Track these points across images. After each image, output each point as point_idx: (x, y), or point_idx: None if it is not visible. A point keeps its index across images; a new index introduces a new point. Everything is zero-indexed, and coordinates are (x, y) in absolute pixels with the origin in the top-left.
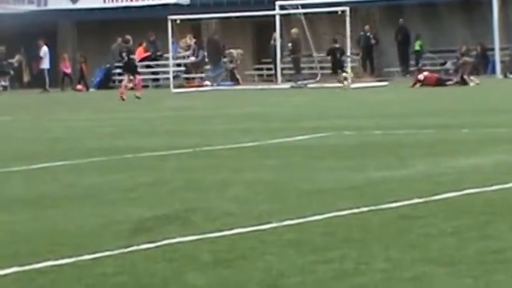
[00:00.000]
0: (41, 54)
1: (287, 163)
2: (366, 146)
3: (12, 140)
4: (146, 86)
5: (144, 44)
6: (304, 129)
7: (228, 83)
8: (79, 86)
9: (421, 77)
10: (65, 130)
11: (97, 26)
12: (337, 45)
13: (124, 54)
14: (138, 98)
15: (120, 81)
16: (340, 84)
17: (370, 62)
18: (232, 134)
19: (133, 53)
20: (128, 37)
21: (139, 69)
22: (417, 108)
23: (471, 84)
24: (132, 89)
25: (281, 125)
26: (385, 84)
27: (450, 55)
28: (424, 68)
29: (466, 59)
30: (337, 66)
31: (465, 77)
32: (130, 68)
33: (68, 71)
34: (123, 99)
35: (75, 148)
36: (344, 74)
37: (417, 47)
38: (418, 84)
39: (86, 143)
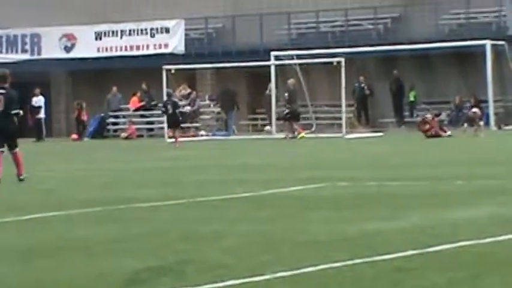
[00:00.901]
0: (37, 103)
1: (281, 214)
2: (361, 197)
3: (6, 190)
4: (141, 136)
5: (139, 94)
6: (299, 180)
7: (222, 132)
8: (74, 136)
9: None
10: (58, 180)
11: (91, 76)
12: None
13: (169, 107)
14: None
15: (115, 130)
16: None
17: (365, 112)
18: (226, 184)
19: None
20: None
21: (133, 119)
22: (412, 159)
23: (482, 135)
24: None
25: (276, 175)
26: (379, 135)
27: (444, 106)
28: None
29: (475, 110)
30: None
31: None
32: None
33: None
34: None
35: (69, 198)
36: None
37: (412, 98)
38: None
39: (79, 194)
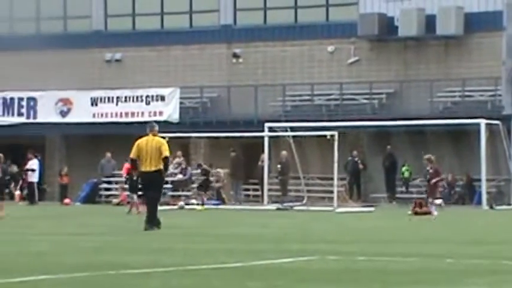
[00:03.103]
0: (32, 166)
1: (270, 286)
2: (350, 271)
3: None
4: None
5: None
6: (289, 252)
7: (213, 202)
8: (66, 200)
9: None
10: (48, 244)
11: (86, 140)
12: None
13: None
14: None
15: (107, 196)
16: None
17: (357, 186)
18: (216, 253)
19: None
20: None
21: (125, 185)
22: (402, 235)
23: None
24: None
25: (266, 246)
26: (371, 210)
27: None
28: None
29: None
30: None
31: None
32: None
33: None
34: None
35: (58, 263)
36: None
37: (406, 174)
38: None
39: (68, 258)
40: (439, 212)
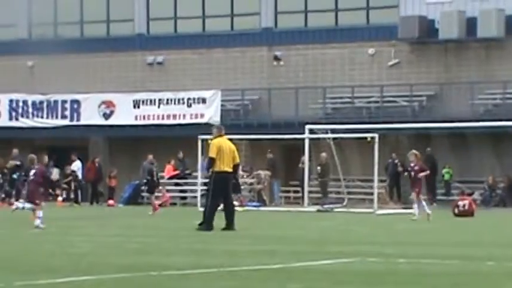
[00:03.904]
0: (74, 168)
1: (311, 287)
2: (390, 274)
3: (40, 253)
4: (174, 204)
5: (173, 162)
6: (329, 254)
7: (254, 203)
8: (110, 201)
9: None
10: (92, 245)
11: (128, 143)
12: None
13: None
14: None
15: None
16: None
17: (397, 189)
18: (257, 255)
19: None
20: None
21: (167, 187)
22: (443, 237)
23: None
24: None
25: (306, 248)
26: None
27: (478, 186)
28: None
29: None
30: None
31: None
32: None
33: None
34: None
35: (101, 263)
36: None
37: (447, 176)
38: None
39: (111, 259)
40: (425, 212)
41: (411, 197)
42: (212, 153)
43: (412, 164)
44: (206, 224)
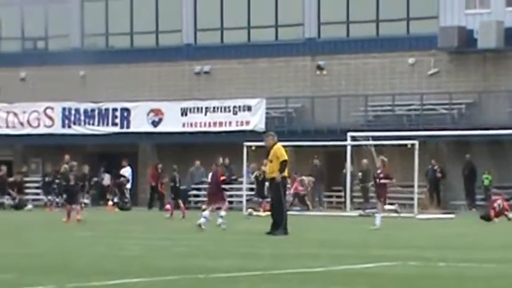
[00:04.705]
0: (125, 174)
1: None
2: (430, 277)
3: (92, 256)
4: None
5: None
6: (371, 257)
7: (298, 208)
8: (168, 206)
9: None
10: (142, 248)
11: (176, 149)
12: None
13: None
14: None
15: (196, 202)
16: None
17: (437, 194)
18: (301, 258)
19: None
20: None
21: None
22: (482, 242)
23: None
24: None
25: (348, 252)
26: (451, 217)
27: None
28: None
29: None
30: None
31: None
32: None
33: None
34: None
35: (151, 266)
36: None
37: (486, 182)
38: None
39: (160, 262)
40: (382, 222)
41: (377, 205)
42: (286, 156)
43: (378, 171)
44: (283, 228)
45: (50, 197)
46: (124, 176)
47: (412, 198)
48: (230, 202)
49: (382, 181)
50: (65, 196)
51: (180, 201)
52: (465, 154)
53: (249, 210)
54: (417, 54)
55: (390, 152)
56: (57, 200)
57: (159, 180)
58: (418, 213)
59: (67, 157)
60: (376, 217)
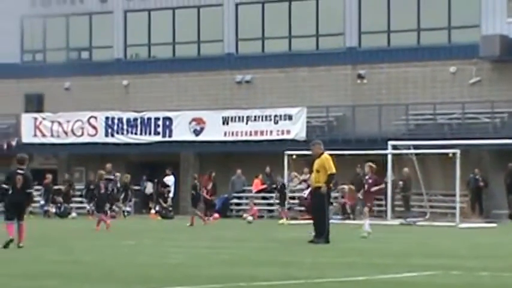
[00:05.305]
0: (168, 183)
1: None
2: (472, 286)
3: (135, 264)
4: (261, 217)
5: (261, 176)
6: (412, 267)
7: (338, 217)
8: (216, 215)
9: None
10: (184, 256)
11: (218, 158)
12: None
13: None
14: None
15: (238, 210)
16: None
17: (479, 203)
18: (342, 267)
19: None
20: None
21: (255, 200)
22: None
23: None
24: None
25: (389, 261)
26: (493, 226)
27: None
28: None
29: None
30: None
31: None
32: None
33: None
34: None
35: (192, 274)
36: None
37: None
38: None
39: (203, 270)
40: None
41: (364, 211)
42: (334, 169)
43: (366, 177)
44: (325, 237)
45: (92, 205)
46: (167, 185)
47: (453, 207)
48: (271, 211)
49: (373, 189)
50: (93, 204)
51: (198, 210)
52: (508, 162)
53: (249, 218)
54: (459, 63)
55: (432, 161)
56: (87, 207)
57: (213, 189)
58: (460, 222)
59: (108, 166)
60: (364, 224)
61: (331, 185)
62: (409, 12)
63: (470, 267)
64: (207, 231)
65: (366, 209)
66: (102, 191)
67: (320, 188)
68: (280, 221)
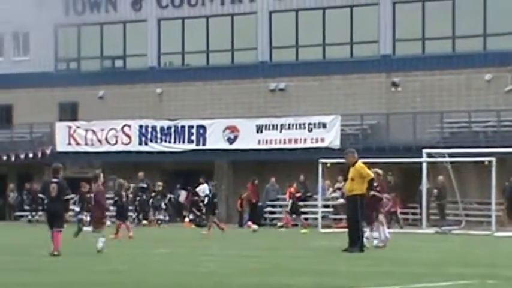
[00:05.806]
0: (201, 192)
1: None
2: None
3: (168, 272)
4: (295, 225)
5: (295, 185)
6: (448, 276)
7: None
8: (249, 223)
9: None
10: (217, 264)
11: (251, 166)
12: None
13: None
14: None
15: (272, 219)
16: None
17: None
18: (377, 276)
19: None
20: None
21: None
22: None
23: None
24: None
25: (424, 269)
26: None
27: None
28: None
29: None
30: None
31: None
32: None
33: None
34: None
35: (225, 283)
36: None
37: None
38: None
39: (235, 279)
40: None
41: (379, 218)
42: (371, 174)
43: (375, 184)
44: (359, 245)
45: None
46: (199, 195)
47: (489, 216)
48: (306, 219)
49: (377, 195)
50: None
51: (215, 218)
52: None
53: (254, 226)
54: (494, 70)
55: (467, 169)
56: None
57: (258, 196)
58: (496, 231)
59: (141, 174)
60: (381, 232)
61: (364, 191)
62: (444, 19)
63: (506, 277)
64: (239, 240)
65: (381, 216)
66: (124, 199)
67: (354, 197)
68: (302, 231)
